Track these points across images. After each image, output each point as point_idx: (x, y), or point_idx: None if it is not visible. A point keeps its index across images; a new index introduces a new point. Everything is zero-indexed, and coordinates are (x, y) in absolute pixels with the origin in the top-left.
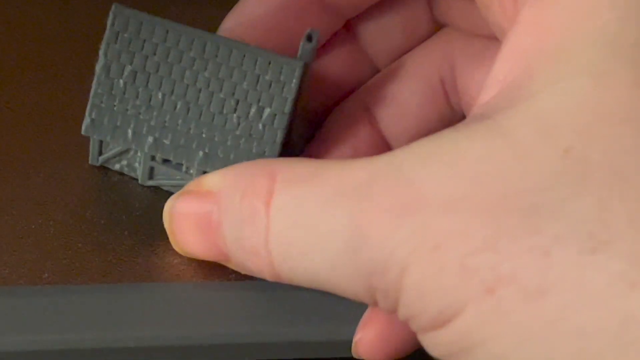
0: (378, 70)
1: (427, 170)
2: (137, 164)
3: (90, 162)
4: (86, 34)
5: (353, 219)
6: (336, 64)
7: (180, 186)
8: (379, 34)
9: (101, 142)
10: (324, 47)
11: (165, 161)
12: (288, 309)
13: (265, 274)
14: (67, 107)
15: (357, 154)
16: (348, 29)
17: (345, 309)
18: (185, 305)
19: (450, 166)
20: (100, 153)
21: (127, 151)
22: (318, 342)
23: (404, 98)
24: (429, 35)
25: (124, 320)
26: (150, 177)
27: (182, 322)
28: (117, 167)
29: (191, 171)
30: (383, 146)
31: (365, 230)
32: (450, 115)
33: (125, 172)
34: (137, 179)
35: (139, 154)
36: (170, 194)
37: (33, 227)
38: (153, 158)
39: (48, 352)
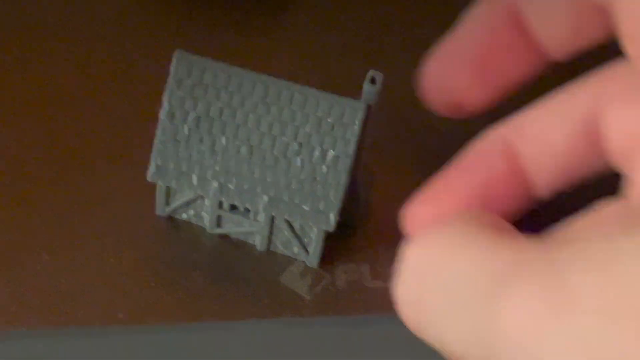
0: (546, 64)
1: (584, 275)
2: (204, 213)
3: (157, 212)
4: (150, 78)
5: (492, 303)
6: (505, 54)
7: (248, 234)
8: (547, 24)
9: (168, 192)
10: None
11: (233, 209)
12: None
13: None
14: (132, 149)
15: (489, 185)
16: (516, 20)
17: None
18: (259, 344)
19: (613, 276)
20: (168, 203)
21: (194, 200)
22: None
23: (551, 135)
24: (599, 38)
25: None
26: (218, 225)
27: None
28: (184, 216)
29: (259, 218)
30: (521, 182)
31: (505, 324)
32: (600, 159)
33: (193, 222)
34: (204, 227)
35: (206, 202)
36: (238, 241)
37: (105, 266)
38: (220, 206)
39: None
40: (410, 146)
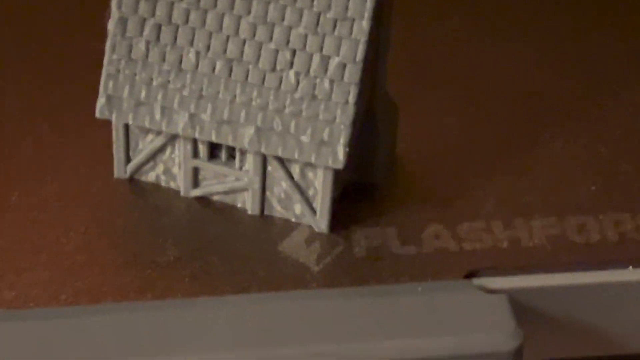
0: None
1: None
2: (176, 169)
3: (116, 175)
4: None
5: None
6: None
7: (235, 192)
8: None
9: (127, 143)
10: None
11: (213, 158)
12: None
13: None
14: (79, 96)
15: None
16: None
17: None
18: (252, 321)
19: None
20: (128, 159)
21: (162, 149)
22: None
23: None
24: None
25: (175, 344)
26: (195, 183)
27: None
28: (151, 176)
29: (246, 165)
30: None
31: None
32: None
33: (163, 183)
34: (178, 191)
35: (176, 152)
36: (223, 204)
37: (52, 243)
38: (196, 155)
39: None
40: (439, 68)
